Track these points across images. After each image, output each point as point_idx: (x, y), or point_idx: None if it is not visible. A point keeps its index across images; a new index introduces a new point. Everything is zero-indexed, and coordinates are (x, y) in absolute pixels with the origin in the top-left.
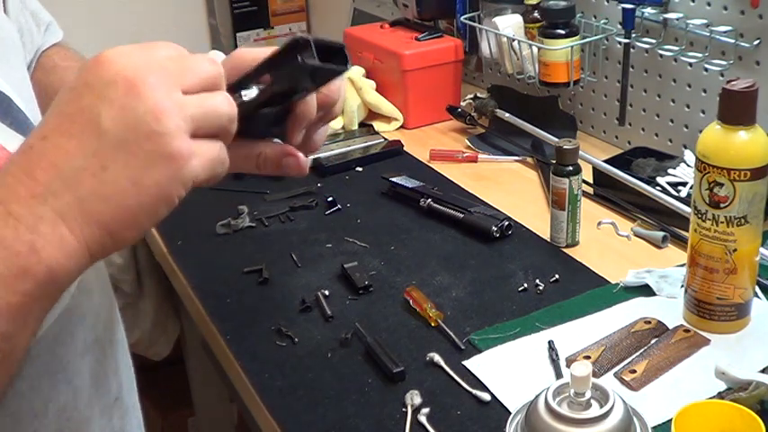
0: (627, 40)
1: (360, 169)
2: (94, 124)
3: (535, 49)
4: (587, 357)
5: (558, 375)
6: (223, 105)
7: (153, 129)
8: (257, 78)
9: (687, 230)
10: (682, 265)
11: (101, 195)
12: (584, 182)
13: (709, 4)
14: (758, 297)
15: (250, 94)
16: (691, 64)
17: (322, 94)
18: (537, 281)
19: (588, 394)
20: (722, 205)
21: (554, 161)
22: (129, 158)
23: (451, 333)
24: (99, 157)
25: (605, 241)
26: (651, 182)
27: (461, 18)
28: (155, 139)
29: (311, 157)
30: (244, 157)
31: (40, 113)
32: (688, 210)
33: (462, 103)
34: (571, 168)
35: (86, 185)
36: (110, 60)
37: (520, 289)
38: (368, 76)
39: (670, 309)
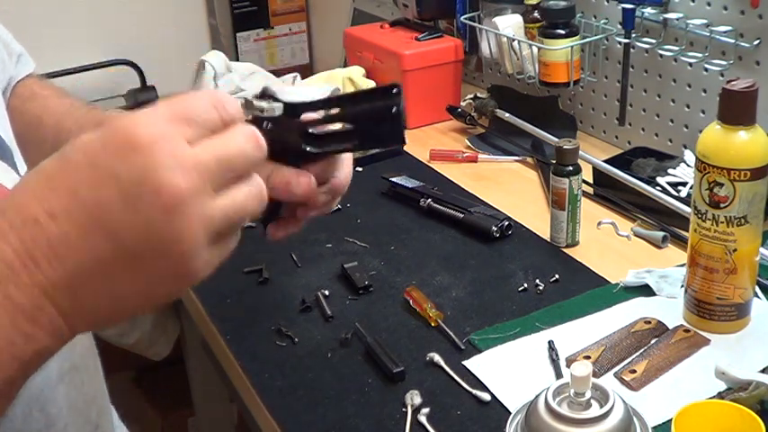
0: (627, 40)
1: (360, 169)
2: (112, 229)
3: (535, 49)
4: (587, 357)
5: (558, 375)
6: (254, 202)
7: (174, 251)
8: (328, 107)
9: (687, 230)
10: (682, 265)
11: (104, 303)
12: (585, 182)
13: (709, 4)
14: (758, 297)
15: (312, 115)
16: (691, 64)
17: (336, 179)
18: (537, 281)
19: (588, 394)
20: (722, 205)
21: (554, 161)
22: (141, 274)
23: (451, 333)
24: (109, 266)
25: (605, 241)
26: (651, 182)
27: (461, 18)
28: (174, 260)
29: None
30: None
31: (14, 140)
32: (688, 210)
33: (462, 103)
34: (571, 168)
35: (90, 290)
36: (150, 155)
37: (520, 289)
38: (368, 76)
39: (670, 309)
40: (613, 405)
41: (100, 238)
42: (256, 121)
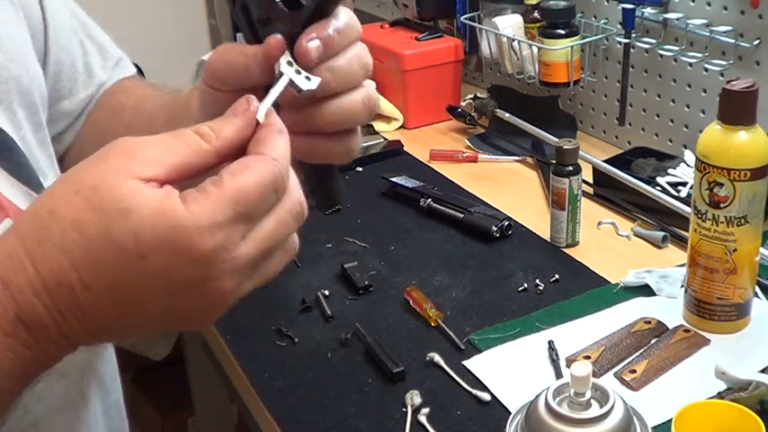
0: (627, 40)
1: (360, 169)
2: (149, 310)
3: (535, 49)
4: (587, 357)
5: (558, 375)
6: (282, 263)
7: (196, 319)
8: None
9: (687, 230)
10: (682, 265)
11: (120, 339)
12: (585, 182)
13: (709, 4)
14: (758, 297)
15: None
16: (691, 64)
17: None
18: (537, 281)
19: (588, 394)
20: (722, 205)
21: (554, 161)
22: (163, 327)
23: (451, 333)
24: (134, 327)
25: (605, 241)
26: (651, 182)
27: (461, 18)
28: (196, 319)
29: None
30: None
31: (55, 164)
32: (688, 210)
33: (462, 103)
34: (571, 168)
35: (109, 333)
36: (206, 266)
37: (520, 289)
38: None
39: (670, 309)
40: (613, 405)
41: (133, 312)
42: None
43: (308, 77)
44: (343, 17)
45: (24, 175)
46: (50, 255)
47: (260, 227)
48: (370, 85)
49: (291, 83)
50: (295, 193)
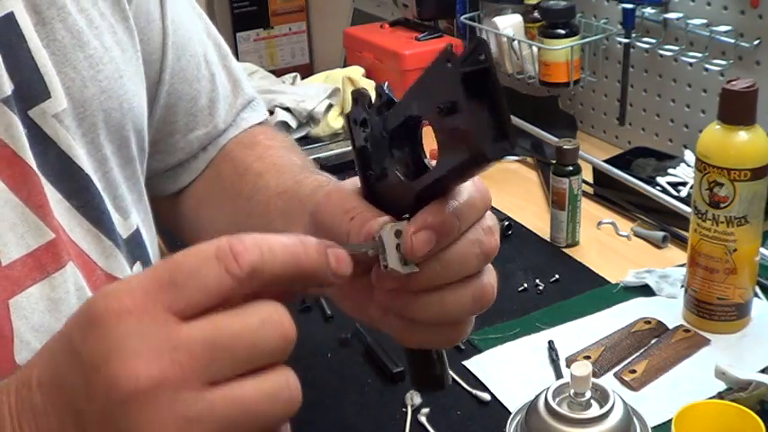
0: (627, 40)
1: None
2: (78, 415)
3: (535, 49)
4: (587, 357)
5: (558, 375)
6: (272, 401)
7: None
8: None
9: (687, 230)
10: (682, 265)
11: None
12: (585, 182)
13: (709, 4)
14: (758, 297)
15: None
16: (691, 64)
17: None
18: (537, 281)
19: (588, 394)
20: (722, 205)
21: (554, 161)
22: None
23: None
24: None
25: (605, 241)
26: (651, 182)
27: (461, 18)
28: None
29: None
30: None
31: (144, 200)
32: (688, 210)
33: None
34: (571, 168)
35: None
36: (109, 335)
37: (520, 289)
38: (368, 76)
39: (670, 309)
40: (613, 405)
41: (70, 421)
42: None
43: (404, 261)
44: (466, 193)
45: (96, 215)
46: (33, 359)
47: (210, 315)
48: (488, 274)
49: (383, 257)
50: (271, 304)
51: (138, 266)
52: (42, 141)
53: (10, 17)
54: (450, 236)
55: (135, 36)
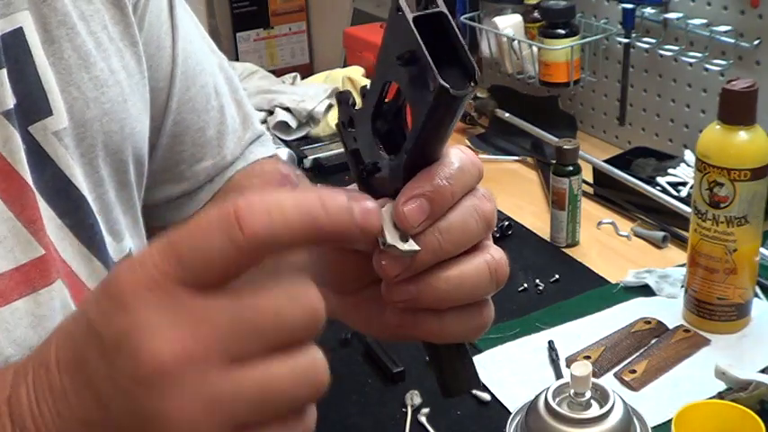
0: (627, 40)
1: None
2: (98, 393)
3: (535, 49)
4: (587, 357)
5: (558, 375)
6: (301, 382)
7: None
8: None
9: (687, 230)
10: (682, 265)
11: None
12: (585, 182)
13: (709, 4)
14: (758, 297)
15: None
16: (691, 64)
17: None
18: (537, 281)
19: (588, 394)
20: (722, 205)
21: (554, 161)
22: None
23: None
24: None
25: (605, 241)
26: (651, 182)
27: (461, 18)
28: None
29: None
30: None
31: (140, 225)
32: (688, 210)
33: None
34: (571, 168)
35: None
36: (130, 312)
37: (520, 289)
38: (368, 76)
39: (670, 309)
40: (613, 405)
41: (89, 400)
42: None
43: (404, 238)
44: (455, 159)
45: (88, 236)
46: (46, 340)
47: (233, 291)
48: (494, 249)
49: (382, 242)
50: (301, 279)
51: None
52: (40, 158)
53: (19, 32)
54: (444, 202)
55: (143, 62)
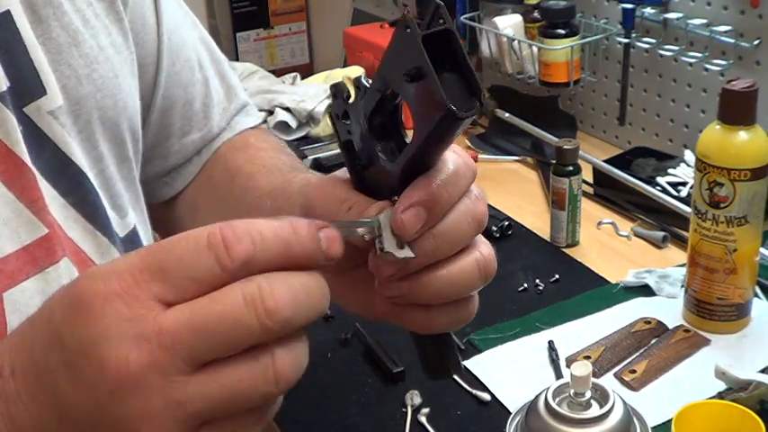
0: (627, 40)
1: None
2: (58, 401)
3: (535, 49)
4: (587, 357)
5: (558, 375)
6: (261, 382)
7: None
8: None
9: (687, 230)
10: (682, 265)
11: None
12: (585, 182)
13: (709, 4)
14: (758, 297)
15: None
16: (691, 64)
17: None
18: (537, 281)
19: (588, 394)
20: (722, 205)
21: (554, 161)
22: None
23: (452, 333)
24: None
25: (605, 241)
26: (651, 182)
27: (461, 18)
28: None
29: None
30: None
31: (141, 202)
32: (688, 210)
33: None
34: (571, 168)
35: None
36: (97, 320)
37: (520, 289)
38: (368, 75)
39: (670, 309)
40: (613, 405)
41: (47, 408)
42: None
43: (400, 245)
44: (451, 164)
45: (92, 212)
46: (1, 346)
47: (195, 300)
48: (483, 245)
49: (379, 240)
50: (265, 279)
51: None
52: (38, 138)
53: (6, 15)
54: (440, 209)
55: (129, 38)
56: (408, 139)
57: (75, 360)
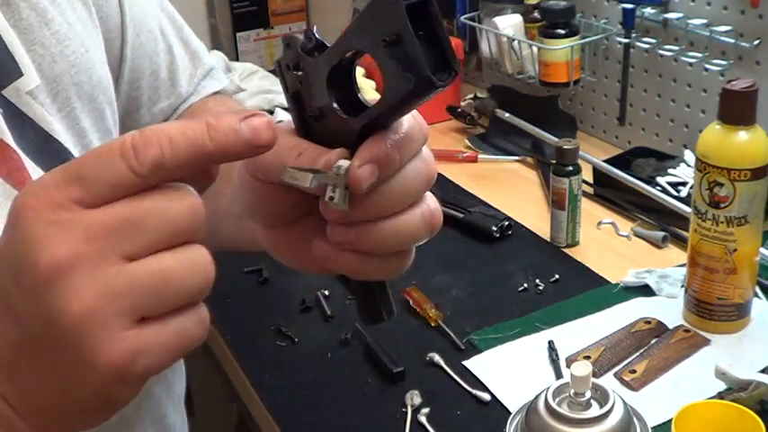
0: (627, 40)
1: None
2: (14, 313)
3: (535, 49)
4: (587, 357)
5: (558, 375)
6: (192, 272)
7: (70, 330)
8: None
9: (687, 230)
10: (682, 265)
11: (39, 389)
12: (585, 182)
13: (709, 4)
14: (758, 297)
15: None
16: (691, 64)
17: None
18: (537, 281)
19: (588, 394)
20: (722, 205)
21: (554, 161)
22: (53, 362)
23: (451, 333)
24: (23, 351)
25: (605, 241)
26: (651, 182)
27: (461, 18)
28: (77, 345)
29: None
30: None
31: None
32: (688, 210)
33: (462, 103)
34: (571, 168)
35: (19, 375)
36: (26, 224)
37: (520, 289)
38: (368, 76)
39: (670, 309)
40: (613, 405)
41: (9, 323)
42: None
43: (349, 197)
44: (406, 126)
45: None
46: None
47: (100, 198)
48: (430, 199)
49: (331, 188)
50: (180, 187)
51: None
52: (19, 119)
53: None
54: (392, 168)
55: (93, 13)
56: (361, 96)
57: (17, 272)
